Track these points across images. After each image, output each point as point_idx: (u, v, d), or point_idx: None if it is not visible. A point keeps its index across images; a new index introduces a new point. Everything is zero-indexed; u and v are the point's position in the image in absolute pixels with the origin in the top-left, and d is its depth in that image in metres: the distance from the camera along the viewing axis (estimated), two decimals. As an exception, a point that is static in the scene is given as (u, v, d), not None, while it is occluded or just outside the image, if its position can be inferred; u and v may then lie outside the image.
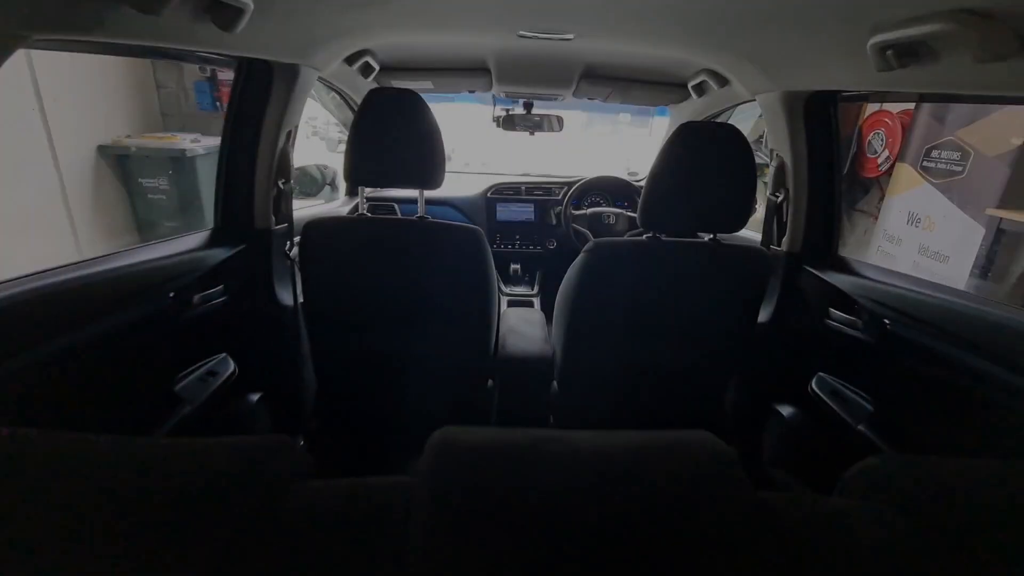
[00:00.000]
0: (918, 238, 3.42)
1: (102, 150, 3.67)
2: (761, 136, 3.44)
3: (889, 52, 0.81)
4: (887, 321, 1.18)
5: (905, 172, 3.58)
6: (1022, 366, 0.88)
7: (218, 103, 4.23)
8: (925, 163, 3.41)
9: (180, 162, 3.70)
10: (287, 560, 0.39)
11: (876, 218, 3.85)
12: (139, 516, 0.40)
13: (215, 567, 0.37)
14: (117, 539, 0.38)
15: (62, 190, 3.38)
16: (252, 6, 0.81)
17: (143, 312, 1.04)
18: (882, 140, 3.78)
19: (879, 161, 3.81)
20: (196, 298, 1.23)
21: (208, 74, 4.06)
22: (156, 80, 4.05)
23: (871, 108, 3.94)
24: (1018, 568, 0.40)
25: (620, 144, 5.73)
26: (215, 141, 4.18)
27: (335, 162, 2.41)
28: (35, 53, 2.98)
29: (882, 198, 3.82)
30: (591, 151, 5.28)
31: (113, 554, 0.37)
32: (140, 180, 3.74)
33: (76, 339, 0.88)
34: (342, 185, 2.50)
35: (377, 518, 0.42)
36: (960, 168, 3.18)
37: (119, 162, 3.71)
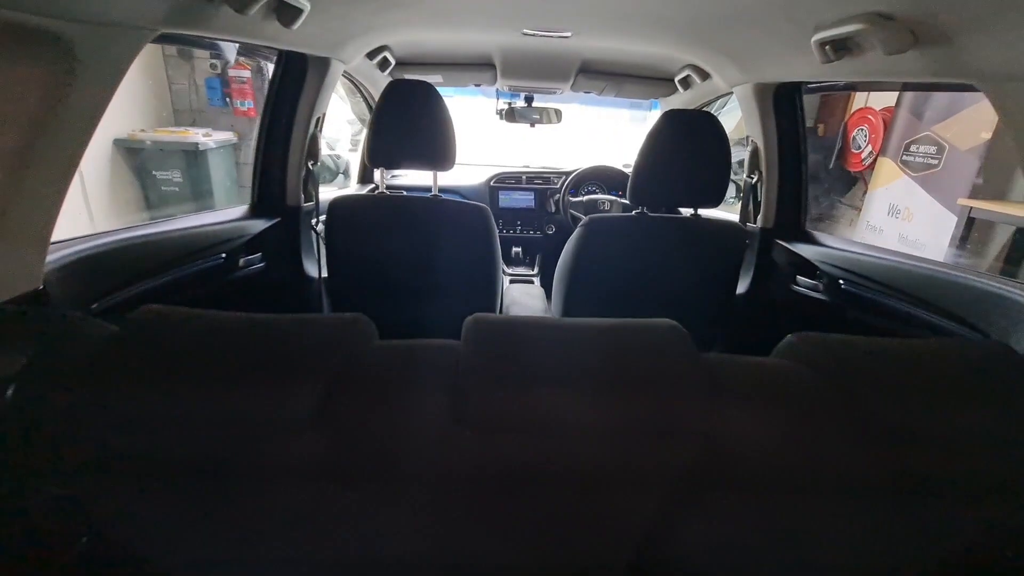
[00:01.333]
0: (898, 228, 3.63)
1: (118, 143, 3.85)
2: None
3: (827, 47, 1.01)
4: (841, 281, 1.38)
5: (886, 166, 3.80)
6: (942, 307, 1.09)
7: (228, 99, 4.42)
8: (904, 157, 3.62)
9: (192, 155, 3.87)
10: (370, 394, 0.58)
11: (860, 210, 4.06)
12: (267, 361, 0.59)
13: (324, 396, 0.56)
14: (252, 376, 0.56)
15: (80, 180, 3.55)
16: (309, 7, 1.00)
17: (203, 267, 1.23)
18: (865, 136, 3.99)
19: (863, 156, 4.02)
20: (241, 260, 1.41)
21: (219, 71, 4.24)
22: (168, 77, 4.23)
23: (856, 105, 4.17)
24: (886, 398, 0.59)
25: (619, 137, 5.93)
26: (225, 136, 4.37)
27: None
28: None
29: (865, 191, 4.03)
30: (591, 143, 5.48)
31: (250, 382, 0.56)
32: (154, 172, 3.92)
33: (154, 282, 1.07)
34: (354, 174, 2.69)
35: (433, 368, 0.61)
36: (936, 161, 3.39)
37: (134, 155, 3.88)
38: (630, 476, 0.60)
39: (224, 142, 4.31)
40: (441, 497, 0.61)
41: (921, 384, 0.60)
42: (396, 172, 2.62)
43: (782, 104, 1.57)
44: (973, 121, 3.13)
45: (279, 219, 1.59)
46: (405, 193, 2.57)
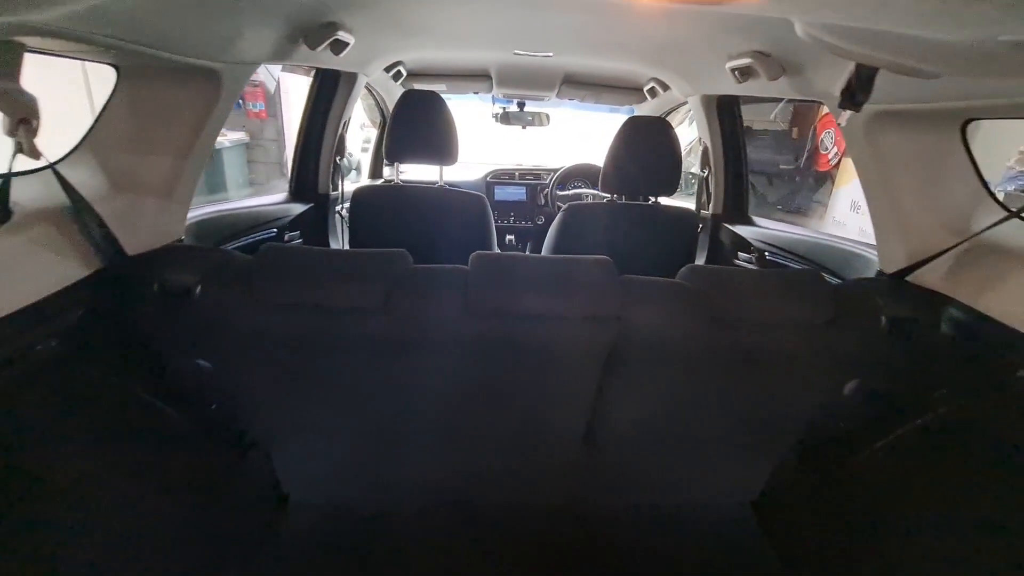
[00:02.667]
0: (858, 222, 4.03)
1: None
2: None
3: (736, 72, 1.39)
4: (767, 253, 1.76)
5: (850, 165, 4.20)
6: (818, 262, 1.47)
7: (241, 101, 4.78)
8: (864, 158, 4.02)
9: (211, 153, 4.22)
10: (414, 294, 0.94)
11: (827, 207, 4.46)
12: (351, 273, 0.95)
13: (385, 294, 0.92)
14: (342, 280, 0.93)
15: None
16: (354, 41, 1.37)
17: (263, 237, 1.59)
18: (832, 138, 4.39)
19: (830, 156, 4.42)
20: (286, 236, 1.78)
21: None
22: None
23: (825, 110, 4.56)
24: (728, 299, 0.97)
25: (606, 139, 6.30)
26: (238, 135, 4.73)
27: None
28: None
29: (832, 189, 4.44)
30: (580, 144, 5.86)
31: (341, 284, 0.92)
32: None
33: (237, 243, 1.44)
34: (364, 171, 3.06)
35: (451, 280, 0.97)
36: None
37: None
38: (575, 350, 0.98)
39: (237, 141, 4.67)
40: (453, 363, 0.99)
41: (753, 291, 0.98)
42: (403, 168, 2.99)
43: (724, 112, 1.95)
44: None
45: (312, 204, 1.96)
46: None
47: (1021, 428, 0.85)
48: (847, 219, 4.17)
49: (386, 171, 3.00)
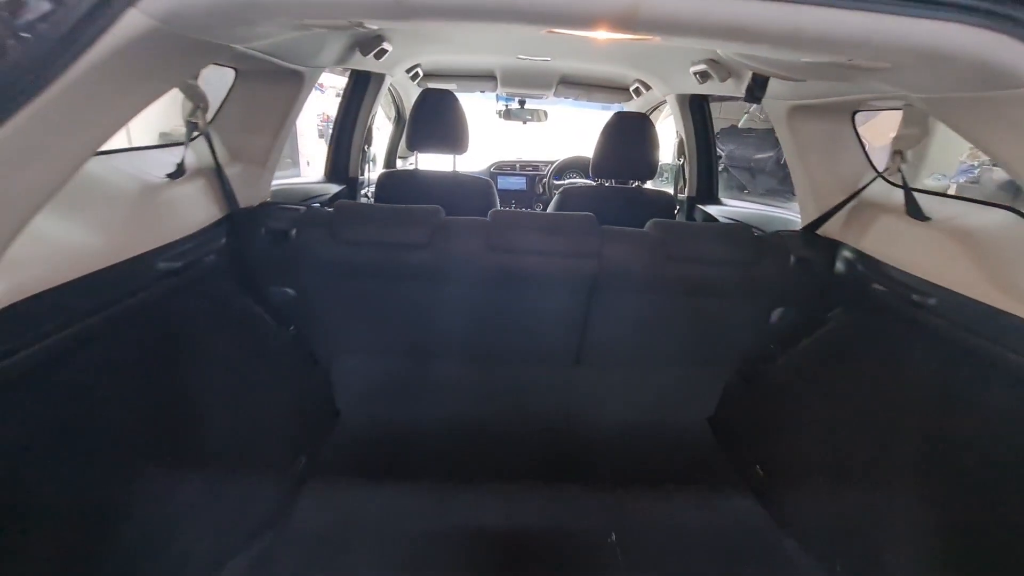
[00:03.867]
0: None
1: (163, 136, 4.52)
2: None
3: (697, 75, 1.76)
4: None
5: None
6: (764, 227, 1.84)
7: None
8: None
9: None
10: (451, 235, 1.31)
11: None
12: (404, 219, 1.32)
13: (430, 234, 1.29)
14: (398, 222, 1.29)
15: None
16: (391, 48, 1.73)
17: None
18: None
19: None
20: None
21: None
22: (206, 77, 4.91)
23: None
24: (679, 241, 1.34)
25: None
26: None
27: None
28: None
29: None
30: (574, 140, 6.26)
31: (397, 225, 1.29)
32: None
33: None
34: (379, 161, 3.43)
35: (475, 226, 1.34)
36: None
37: (180, 146, 4.56)
38: (567, 279, 1.35)
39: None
40: (475, 290, 1.35)
41: (698, 237, 1.35)
42: (413, 159, 3.36)
43: (695, 109, 2.33)
44: (884, 125, 3.92)
45: (344, 186, 2.32)
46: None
47: (883, 328, 1.21)
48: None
49: (398, 163, 3.36)
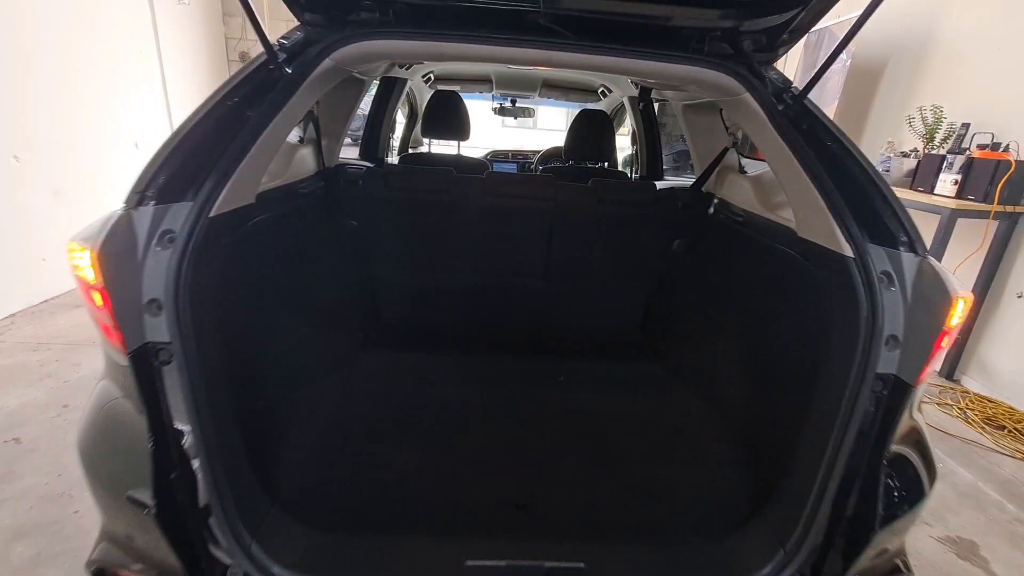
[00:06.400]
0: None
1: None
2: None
3: (633, 82, 2.54)
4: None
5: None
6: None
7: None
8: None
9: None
10: (463, 185, 2.08)
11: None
12: (439, 179, 2.09)
13: (451, 184, 2.07)
14: (439, 176, 2.07)
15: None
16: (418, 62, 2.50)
17: None
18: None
19: (766, 148, 5.59)
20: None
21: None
22: (228, 57, 5.66)
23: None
24: (607, 193, 2.12)
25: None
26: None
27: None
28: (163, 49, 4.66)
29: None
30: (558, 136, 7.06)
31: (436, 180, 2.07)
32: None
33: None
34: (394, 151, 4.20)
35: (476, 179, 2.12)
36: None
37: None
38: (533, 215, 2.13)
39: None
40: (475, 223, 2.13)
41: (620, 188, 2.13)
42: (421, 148, 4.14)
43: (645, 107, 3.11)
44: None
45: (374, 164, 3.09)
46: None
47: (727, 240, 1.98)
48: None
49: (409, 150, 4.14)
